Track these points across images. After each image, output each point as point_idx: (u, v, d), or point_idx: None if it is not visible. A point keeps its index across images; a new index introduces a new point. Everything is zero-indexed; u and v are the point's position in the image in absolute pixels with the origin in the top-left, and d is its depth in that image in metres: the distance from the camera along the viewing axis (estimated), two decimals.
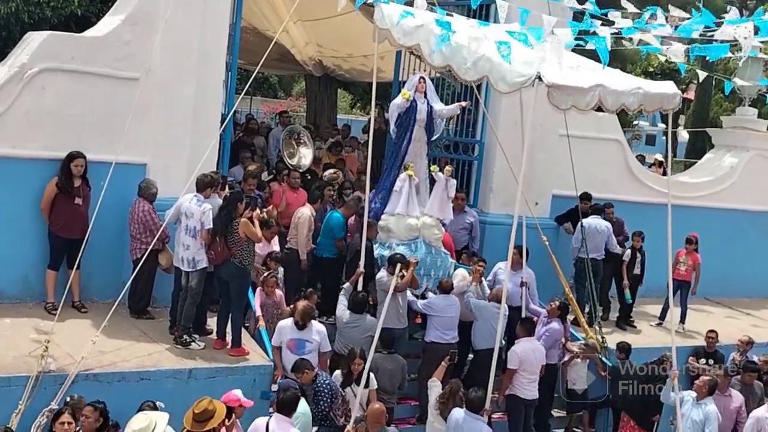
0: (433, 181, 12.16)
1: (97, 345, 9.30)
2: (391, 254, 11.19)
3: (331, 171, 14.48)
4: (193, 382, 9.49)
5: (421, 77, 12.22)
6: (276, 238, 11.64)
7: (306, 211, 12.06)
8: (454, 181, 12.48)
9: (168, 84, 11.13)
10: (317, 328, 9.96)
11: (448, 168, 12.32)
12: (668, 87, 10.65)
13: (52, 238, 10.58)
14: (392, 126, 12.08)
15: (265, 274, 10.76)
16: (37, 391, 8.58)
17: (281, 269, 11.36)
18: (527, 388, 10.78)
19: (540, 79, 9.27)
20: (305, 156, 14.65)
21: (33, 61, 10.44)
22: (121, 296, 10.00)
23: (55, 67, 10.56)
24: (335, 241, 11.89)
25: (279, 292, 10.83)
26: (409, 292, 11.20)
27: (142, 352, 9.73)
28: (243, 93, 12.47)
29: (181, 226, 10.15)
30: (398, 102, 11.99)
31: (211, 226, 10.03)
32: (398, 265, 10.76)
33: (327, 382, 9.22)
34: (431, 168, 12.25)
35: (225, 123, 11.35)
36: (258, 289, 10.74)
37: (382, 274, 10.93)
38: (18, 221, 10.53)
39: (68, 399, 8.35)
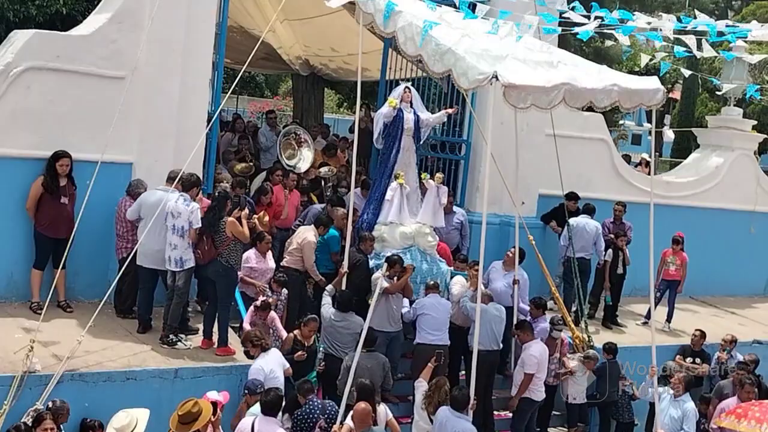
0: (424, 189, 12.14)
1: (82, 345, 9.26)
2: (388, 255, 11.10)
3: (326, 168, 14.39)
4: (180, 381, 9.46)
5: (407, 87, 12.17)
6: (270, 253, 11.39)
7: (311, 237, 11.59)
8: (446, 188, 12.46)
9: (154, 83, 11.10)
10: (257, 364, 9.34)
11: (438, 175, 12.29)
12: (650, 82, 10.38)
13: (38, 237, 10.54)
14: (377, 135, 11.99)
15: (262, 299, 10.57)
16: (22, 391, 8.51)
17: (285, 291, 11.19)
18: (540, 390, 10.95)
19: (496, 78, 8.97)
20: (305, 158, 14.38)
21: (18, 60, 10.39)
22: (106, 296, 9.91)
23: (40, 65, 10.53)
24: (332, 254, 11.78)
25: (272, 314, 10.60)
26: (406, 303, 11.17)
27: (128, 352, 9.70)
28: (230, 92, 12.44)
29: (168, 225, 10.10)
30: (384, 111, 11.92)
31: (200, 225, 10.00)
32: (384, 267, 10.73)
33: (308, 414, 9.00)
34: (422, 176, 12.23)
35: (211, 122, 11.32)
36: (251, 308, 10.55)
37: (378, 275, 10.84)
38: (3, 220, 10.48)
39: (50, 404, 8.29)
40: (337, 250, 11.72)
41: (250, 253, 11.06)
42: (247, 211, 10.42)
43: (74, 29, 11.27)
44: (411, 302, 11.30)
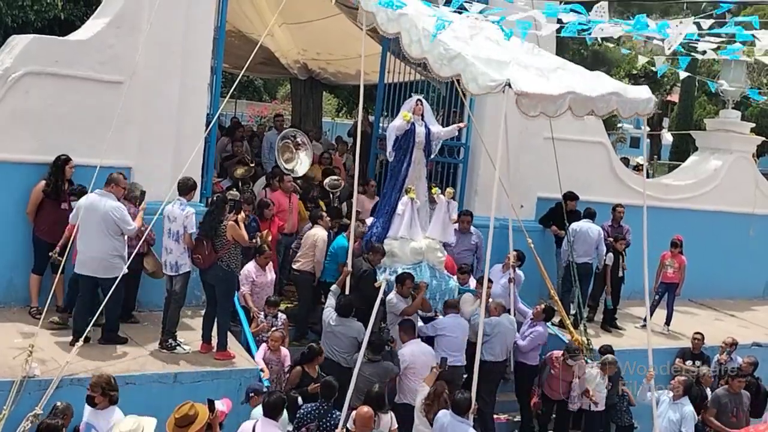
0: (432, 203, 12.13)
1: (81, 349, 9.25)
2: (399, 273, 11.07)
3: (333, 177, 14.30)
4: (179, 386, 9.43)
5: (418, 99, 12.04)
6: (270, 265, 11.47)
7: (322, 234, 11.79)
8: (455, 203, 12.42)
9: (152, 87, 11.11)
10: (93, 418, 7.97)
11: (449, 190, 12.25)
12: (642, 92, 10.47)
13: (37, 242, 10.54)
14: (389, 149, 11.85)
15: (273, 330, 10.47)
16: (21, 396, 8.50)
17: (282, 316, 11.11)
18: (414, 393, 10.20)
19: (509, 85, 9.01)
20: (303, 162, 14.33)
21: (17, 65, 10.41)
22: (105, 300, 9.92)
23: (39, 70, 10.54)
24: (340, 265, 11.73)
25: (284, 350, 10.42)
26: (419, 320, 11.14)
27: (127, 357, 9.70)
28: (228, 96, 12.46)
29: (164, 229, 10.08)
30: (397, 124, 11.79)
31: (194, 230, 9.98)
32: (383, 281, 10.67)
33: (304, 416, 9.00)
34: (432, 190, 12.16)
35: (210, 126, 11.31)
36: (263, 345, 10.40)
37: (392, 296, 10.81)
38: (2, 225, 10.50)
39: (58, 403, 8.25)
40: (346, 261, 11.72)
41: (250, 267, 11.06)
42: (243, 214, 10.40)
43: (72, 34, 11.28)
44: (428, 319, 11.26)
